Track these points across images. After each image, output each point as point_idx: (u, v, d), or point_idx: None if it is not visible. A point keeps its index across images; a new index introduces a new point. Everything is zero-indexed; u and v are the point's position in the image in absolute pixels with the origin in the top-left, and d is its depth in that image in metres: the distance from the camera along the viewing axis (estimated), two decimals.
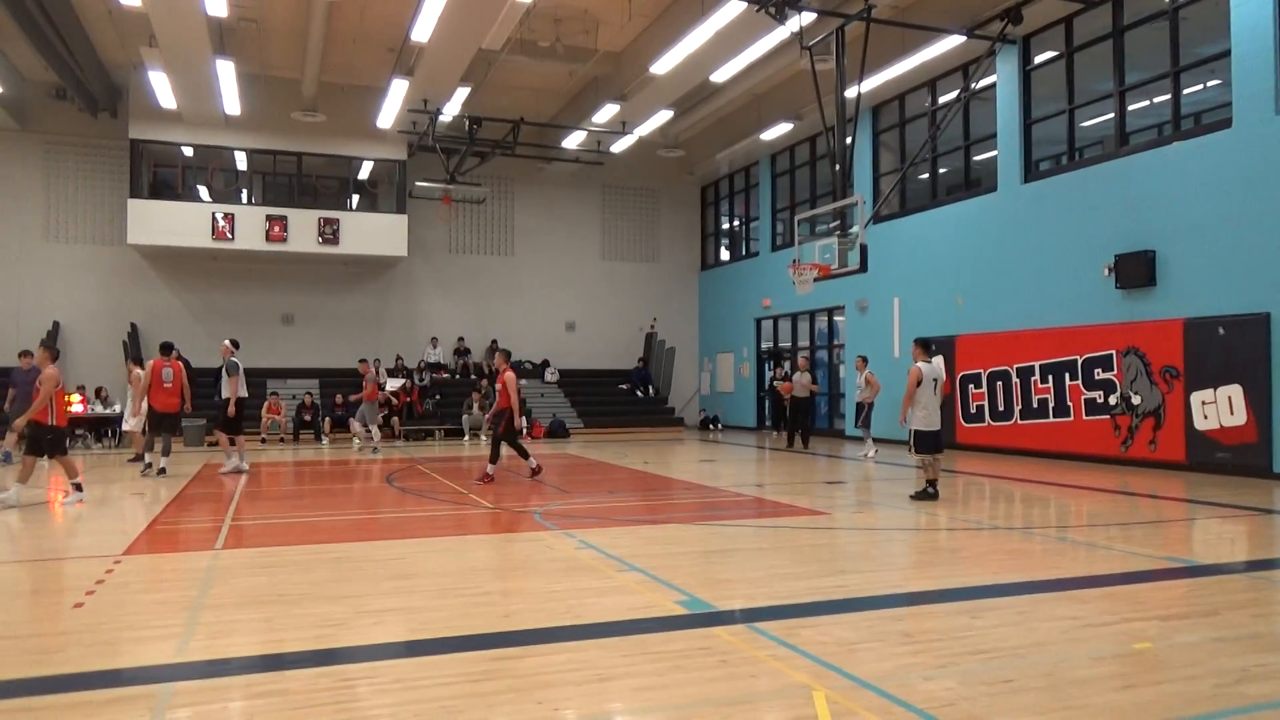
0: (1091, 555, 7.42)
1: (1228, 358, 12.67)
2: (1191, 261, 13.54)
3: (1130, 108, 15.06)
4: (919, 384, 10.34)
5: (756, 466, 15.72)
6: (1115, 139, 14.98)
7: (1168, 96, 14.22)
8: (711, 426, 26.07)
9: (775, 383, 20.92)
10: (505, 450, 12.83)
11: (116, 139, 22.27)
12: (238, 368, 13.86)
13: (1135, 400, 14.02)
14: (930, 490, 10.44)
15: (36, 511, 10.35)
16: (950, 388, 17.53)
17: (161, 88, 19.18)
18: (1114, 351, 14.39)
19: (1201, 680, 4.20)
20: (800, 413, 18.81)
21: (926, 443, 10.44)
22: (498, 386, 12.75)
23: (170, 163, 22.77)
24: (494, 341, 26.13)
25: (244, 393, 14.17)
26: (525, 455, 12.93)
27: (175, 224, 21.89)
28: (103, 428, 20.18)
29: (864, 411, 16.68)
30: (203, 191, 23.09)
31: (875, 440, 16.87)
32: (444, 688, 4.10)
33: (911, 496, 10.49)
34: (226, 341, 14.33)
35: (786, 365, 23.62)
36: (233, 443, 14.13)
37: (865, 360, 17.17)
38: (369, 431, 18.64)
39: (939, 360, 10.86)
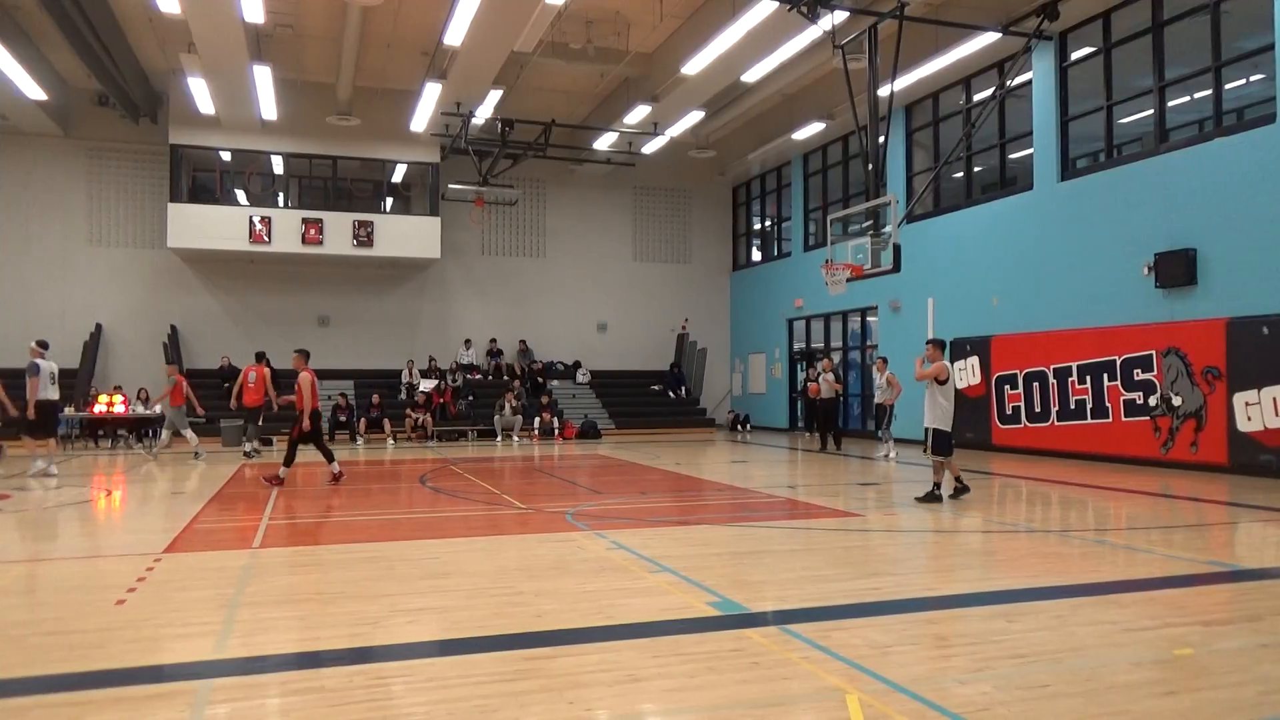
0: (1131, 559, 7.29)
1: (1272, 357, 12.38)
2: (1234, 260, 13.28)
3: (1170, 104, 14.80)
4: (947, 379, 10.25)
5: (788, 468, 15.65)
6: (1155, 136, 14.74)
7: (1209, 92, 13.95)
8: (740, 427, 25.98)
9: (808, 383, 20.83)
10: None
11: (157, 144, 22.68)
12: (37, 369, 13.46)
13: (1176, 401, 13.77)
14: (961, 485, 10.34)
15: (80, 510, 10.56)
16: (985, 388, 17.36)
17: (200, 94, 19.51)
18: (1154, 352, 14.14)
19: (1245, 687, 4.12)
20: (827, 414, 18.68)
21: (946, 443, 10.35)
22: (295, 385, 12.35)
23: (209, 167, 23.14)
24: (508, 342, 26.26)
25: (51, 395, 13.65)
26: (330, 458, 12.56)
27: (214, 227, 22.26)
28: (143, 428, 20.53)
29: (886, 414, 16.54)
30: (240, 195, 23.44)
31: (896, 441, 16.73)
32: (477, 687, 4.12)
33: (950, 497, 10.36)
34: (33, 343, 13.90)
35: (819, 365, 23.51)
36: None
37: (886, 361, 17.04)
38: (187, 436, 17.09)
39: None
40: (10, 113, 20.71)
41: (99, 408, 20.12)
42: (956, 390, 10.51)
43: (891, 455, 16.14)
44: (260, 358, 17.95)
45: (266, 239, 22.35)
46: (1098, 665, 4.41)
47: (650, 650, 4.65)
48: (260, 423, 17.99)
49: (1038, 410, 16.29)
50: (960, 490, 10.37)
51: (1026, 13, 14.88)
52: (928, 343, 10.96)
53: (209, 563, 7.18)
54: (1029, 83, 17.07)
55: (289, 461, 12.39)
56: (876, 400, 16.98)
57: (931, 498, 10.28)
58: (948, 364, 10.40)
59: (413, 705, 3.93)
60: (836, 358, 23.32)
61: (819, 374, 18.89)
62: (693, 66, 17.34)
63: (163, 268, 23.44)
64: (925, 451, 10.53)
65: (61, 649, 4.76)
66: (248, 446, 17.46)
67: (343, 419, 21.79)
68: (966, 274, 18.47)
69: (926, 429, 10.44)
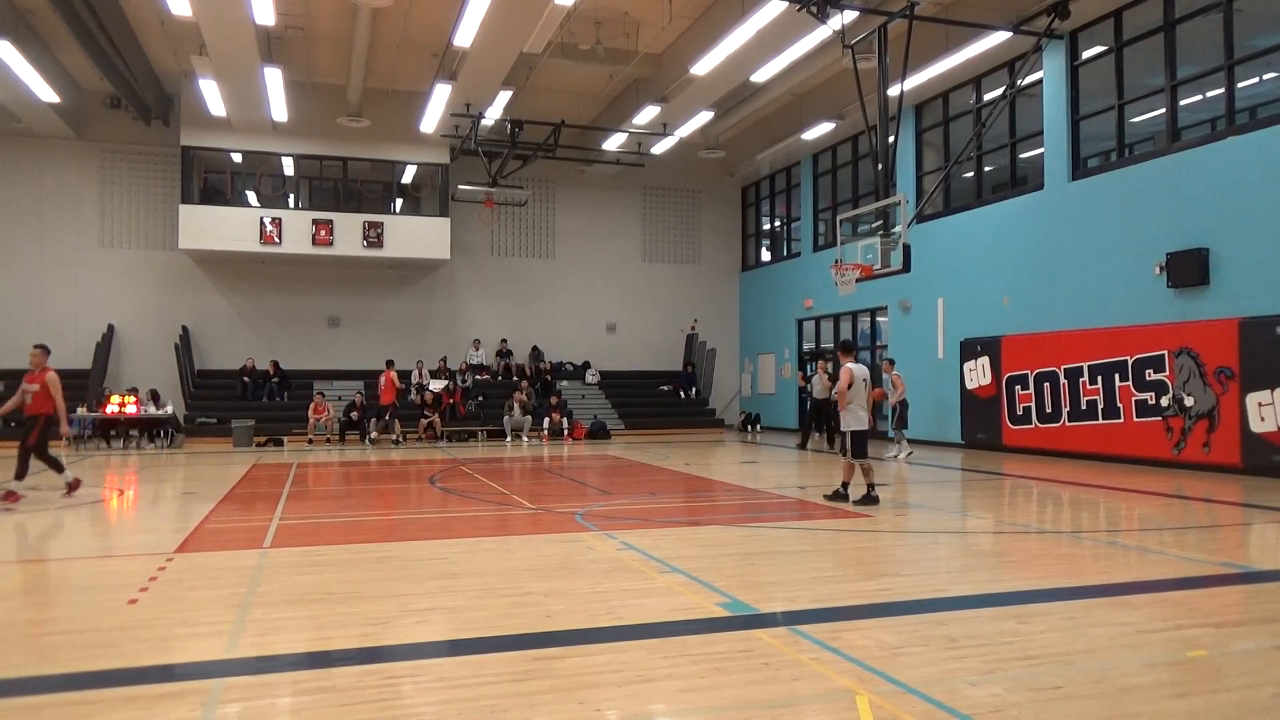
0: (1143, 560, 7.26)
1: None
2: (1247, 259, 13.19)
3: (1182, 102, 14.72)
4: (850, 385, 10.09)
5: (798, 468, 15.61)
6: (1166, 135, 14.65)
7: (1221, 90, 13.88)
8: (750, 427, 25.93)
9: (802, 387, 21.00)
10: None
11: (168, 146, 22.79)
12: None
13: (1188, 402, 13.69)
14: (872, 494, 10.15)
15: (92, 510, 10.62)
16: (996, 388, 17.29)
17: (212, 95, 19.60)
18: (1166, 352, 14.06)
19: (1259, 689, 4.09)
20: (821, 413, 18.75)
21: (863, 445, 10.21)
22: (34, 387, 10.53)
23: (220, 169, 23.23)
24: (518, 342, 26.24)
25: None
26: (59, 469, 10.95)
27: (225, 229, 22.36)
28: (155, 429, 20.64)
29: (898, 413, 16.58)
30: (251, 197, 23.53)
31: (910, 441, 16.74)
32: (486, 687, 4.13)
33: (856, 502, 10.06)
34: None
35: (830, 367, 23.44)
36: None
37: (893, 362, 17.01)
38: None
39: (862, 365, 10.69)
40: (23, 115, 20.85)
41: (111, 408, 20.23)
42: (865, 387, 10.39)
43: (902, 455, 16.09)
44: (390, 364, 21.31)
45: (277, 240, 22.43)
46: (1110, 667, 4.39)
47: (660, 651, 4.65)
48: (395, 417, 21.13)
49: (1049, 411, 16.22)
50: (838, 495, 10.25)
51: (1037, 12, 14.82)
52: (837, 345, 10.86)
53: (220, 562, 7.21)
54: (1039, 82, 17.00)
55: (23, 475, 10.72)
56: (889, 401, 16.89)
57: (839, 496, 10.20)
58: (852, 367, 10.20)
59: (422, 705, 3.94)
60: None
61: (814, 375, 19.04)
62: (702, 67, 17.33)
63: (174, 269, 23.55)
64: (844, 455, 10.30)
65: (74, 648, 4.79)
66: (373, 434, 21.07)
67: (354, 418, 21.85)
68: (977, 274, 18.40)
69: (844, 432, 10.26)
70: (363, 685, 4.17)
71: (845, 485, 10.33)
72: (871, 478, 10.29)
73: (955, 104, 19.54)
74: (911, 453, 16.22)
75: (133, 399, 20.52)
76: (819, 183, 24.60)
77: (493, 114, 20.51)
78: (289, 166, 23.39)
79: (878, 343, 22.50)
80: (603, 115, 23.21)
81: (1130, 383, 14.66)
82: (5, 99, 19.73)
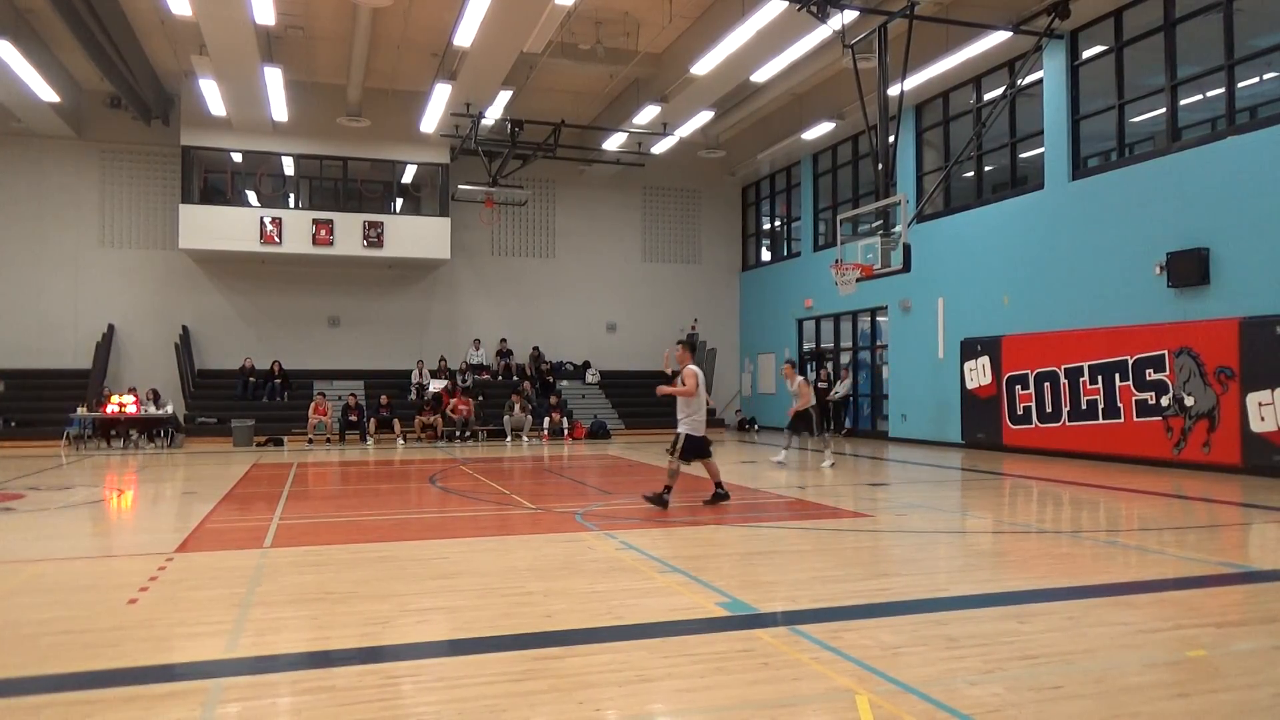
0: (1143, 560, 7.26)
1: None
2: (1247, 259, 13.19)
3: (1182, 102, 14.73)
4: (697, 387, 9.89)
5: (798, 468, 15.60)
6: (1167, 134, 14.65)
7: (1221, 90, 13.88)
8: (748, 427, 25.91)
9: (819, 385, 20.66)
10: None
11: (169, 146, 22.79)
12: None
13: (1188, 401, 13.69)
14: (720, 490, 10.03)
15: (92, 509, 10.63)
16: (996, 388, 17.28)
17: (212, 95, 19.60)
18: (1166, 351, 14.07)
19: (1259, 689, 4.09)
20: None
21: (700, 447, 9.96)
22: None
23: (220, 169, 23.22)
24: (518, 342, 26.24)
25: None
26: None
27: (225, 228, 22.36)
28: (155, 428, 20.63)
29: (812, 420, 15.43)
30: (251, 196, 23.53)
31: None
32: (486, 687, 4.13)
33: (706, 503, 9.98)
34: None
35: (829, 366, 23.42)
36: None
37: (794, 365, 16.15)
38: None
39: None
40: (24, 115, 20.85)
41: (111, 408, 20.23)
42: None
43: (826, 465, 15.00)
44: (459, 393, 23.04)
45: (277, 240, 22.43)
46: (1110, 667, 4.39)
47: (660, 650, 4.65)
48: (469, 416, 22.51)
49: (1049, 410, 16.22)
50: (719, 497, 10.11)
51: (1037, 11, 14.82)
52: (679, 343, 10.75)
53: (220, 562, 7.21)
54: (1040, 81, 17.00)
55: None
56: (795, 407, 15.47)
57: (659, 500, 9.85)
58: (695, 369, 9.98)
59: (422, 705, 3.94)
60: (845, 358, 23.33)
61: (831, 376, 18.75)
62: (702, 66, 17.33)
63: (174, 269, 23.55)
64: (673, 455, 9.91)
65: (74, 648, 4.79)
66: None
67: (353, 419, 21.85)
68: (977, 274, 18.40)
69: (679, 435, 9.93)
70: (363, 685, 4.17)
71: (668, 489, 9.93)
72: (717, 475, 10.16)
73: (955, 104, 19.54)
74: (834, 463, 15.18)
75: (133, 399, 20.52)
76: (819, 182, 24.60)
77: (493, 114, 20.50)
78: (289, 166, 23.39)
79: (878, 343, 22.51)
80: (603, 115, 23.20)
81: (1130, 382, 14.66)
82: (5, 99, 19.73)
